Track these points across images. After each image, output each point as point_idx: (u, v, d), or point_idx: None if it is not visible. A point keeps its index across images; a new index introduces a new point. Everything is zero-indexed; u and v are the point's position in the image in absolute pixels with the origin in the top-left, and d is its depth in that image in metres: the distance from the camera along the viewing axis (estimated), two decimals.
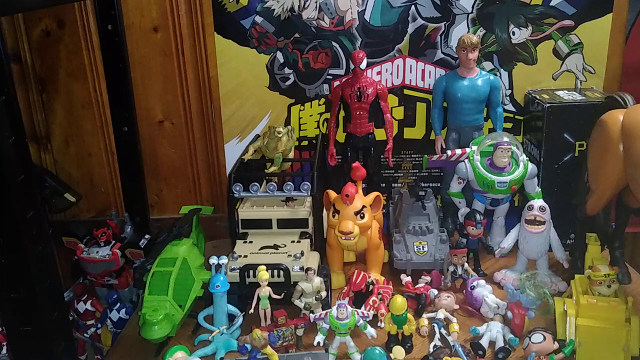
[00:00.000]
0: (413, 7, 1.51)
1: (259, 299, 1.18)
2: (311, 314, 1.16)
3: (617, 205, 1.29)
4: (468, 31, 1.52)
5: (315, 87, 1.59)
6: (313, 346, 1.13)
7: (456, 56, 1.50)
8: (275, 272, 1.21)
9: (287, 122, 1.62)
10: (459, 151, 1.44)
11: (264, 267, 1.18)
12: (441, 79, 1.52)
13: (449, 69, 1.54)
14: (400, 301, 1.14)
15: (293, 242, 1.31)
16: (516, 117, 1.59)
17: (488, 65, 1.56)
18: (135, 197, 1.60)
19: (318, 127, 1.63)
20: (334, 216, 1.28)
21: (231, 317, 1.19)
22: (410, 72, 1.56)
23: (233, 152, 1.63)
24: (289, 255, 1.25)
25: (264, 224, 1.35)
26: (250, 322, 1.18)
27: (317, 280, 1.19)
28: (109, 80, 1.49)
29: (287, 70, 1.58)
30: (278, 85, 1.59)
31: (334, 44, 1.55)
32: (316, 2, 1.51)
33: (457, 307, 1.26)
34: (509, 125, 1.59)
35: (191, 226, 1.41)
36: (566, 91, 1.51)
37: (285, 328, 1.14)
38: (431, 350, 1.12)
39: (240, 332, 1.18)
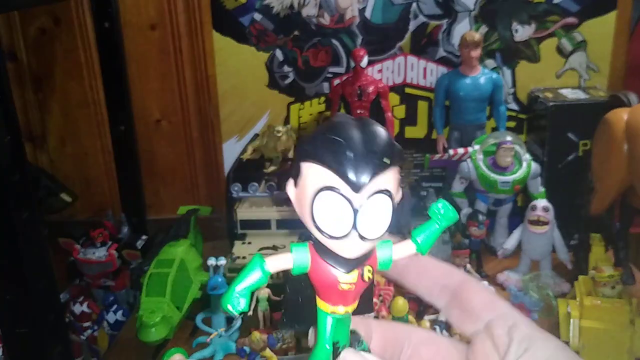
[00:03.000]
0: (414, 4, 1.49)
1: (257, 300, 1.17)
2: None
3: (621, 205, 1.27)
4: (470, 29, 1.50)
5: (315, 85, 1.58)
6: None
7: (458, 54, 1.48)
8: (275, 273, 1.19)
9: (287, 121, 1.60)
10: (461, 150, 1.42)
11: None
12: (443, 77, 1.50)
13: (451, 67, 1.53)
14: (401, 303, 1.12)
15: (292, 243, 1.29)
16: (519, 115, 1.57)
17: (490, 63, 1.54)
18: (132, 197, 1.57)
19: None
20: None
21: (229, 320, 1.17)
22: (412, 70, 1.55)
23: (231, 151, 1.61)
24: None
25: (263, 224, 1.33)
26: (249, 325, 1.16)
27: None
28: (106, 78, 1.47)
29: (286, 69, 1.56)
30: (277, 84, 1.57)
31: (334, 41, 1.53)
32: None
33: None
34: (512, 124, 1.57)
35: (189, 227, 1.39)
36: (570, 89, 1.50)
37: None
38: None
39: (238, 335, 1.16)
